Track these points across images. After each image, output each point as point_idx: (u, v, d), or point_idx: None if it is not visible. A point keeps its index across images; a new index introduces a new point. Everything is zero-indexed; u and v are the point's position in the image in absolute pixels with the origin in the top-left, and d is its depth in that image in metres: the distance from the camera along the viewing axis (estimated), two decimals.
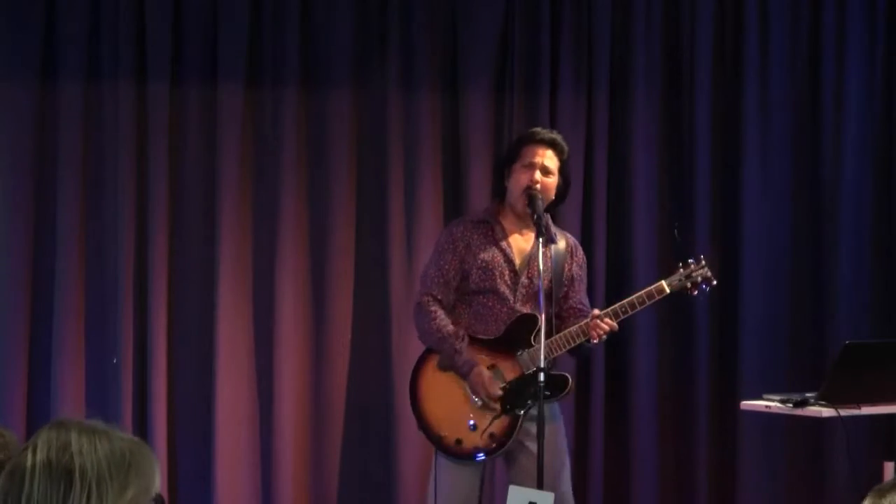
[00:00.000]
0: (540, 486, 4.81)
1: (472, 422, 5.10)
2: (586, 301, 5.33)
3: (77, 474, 2.04)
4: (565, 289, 5.24)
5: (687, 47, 6.55)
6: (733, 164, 6.59)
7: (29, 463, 2.04)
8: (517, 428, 5.07)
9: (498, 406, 5.07)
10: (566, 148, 5.24)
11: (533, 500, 4.07)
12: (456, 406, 5.12)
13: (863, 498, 2.32)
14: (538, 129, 5.30)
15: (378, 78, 6.29)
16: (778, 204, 6.57)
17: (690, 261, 5.23)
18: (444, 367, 5.14)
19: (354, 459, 6.26)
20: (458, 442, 5.10)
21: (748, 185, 6.56)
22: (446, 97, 6.36)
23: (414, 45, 6.30)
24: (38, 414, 5.90)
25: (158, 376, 6.01)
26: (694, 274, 5.21)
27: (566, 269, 5.25)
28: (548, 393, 4.92)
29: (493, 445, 5.09)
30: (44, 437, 2.07)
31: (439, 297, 5.15)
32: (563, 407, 5.53)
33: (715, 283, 5.26)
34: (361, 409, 6.26)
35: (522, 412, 5.06)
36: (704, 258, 5.26)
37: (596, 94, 6.47)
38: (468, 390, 5.11)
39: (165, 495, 6.00)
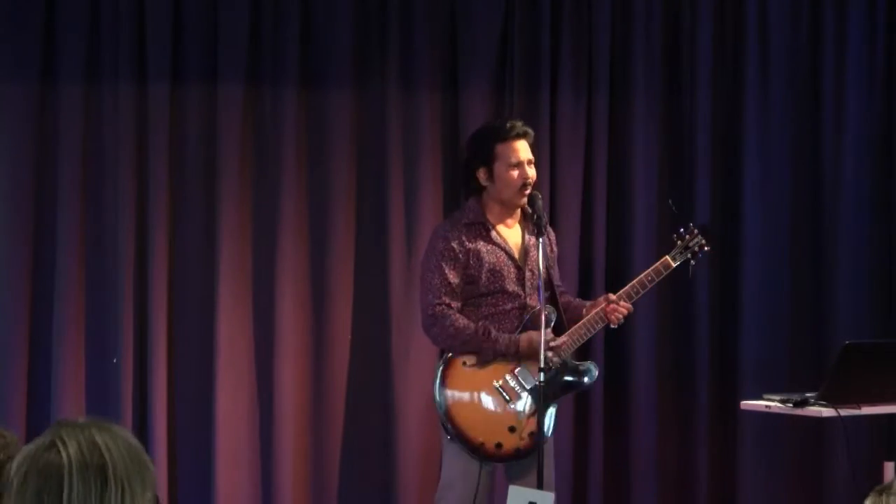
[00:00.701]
0: (540, 485, 4.81)
1: (509, 424, 5.08)
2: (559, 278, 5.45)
3: (110, 472, 2.04)
4: (552, 271, 5.28)
5: (687, 47, 6.55)
6: (733, 164, 6.59)
7: (64, 461, 2.04)
8: (552, 423, 5.07)
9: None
10: (532, 132, 5.26)
11: (533, 500, 4.07)
12: (490, 411, 5.09)
13: (863, 498, 2.33)
14: (509, 125, 5.23)
15: (378, 78, 6.29)
16: (778, 204, 6.57)
17: (682, 230, 5.29)
18: (486, 361, 5.09)
19: (354, 459, 6.25)
20: (499, 446, 5.07)
21: (748, 185, 6.56)
22: (446, 97, 6.36)
23: (414, 45, 6.30)
24: (38, 414, 5.90)
25: (158, 376, 6.01)
26: (691, 244, 5.29)
27: (549, 252, 5.27)
28: (576, 379, 5.16)
29: (535, 443, 5.04)
30: (68, 435, 2.06)
31: (452, 304, 5.12)
32: (563, 406, 5.55)
33: (707, 248, 5.35)
34: (361, 409, 6.26)
35: (555, 406, 5.07)
36: (694, 225, 5.32)
37: (596, 94, 6.47)
38: (503, 393, 5.09)
39: (165, 495, 6.00)
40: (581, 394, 6.32)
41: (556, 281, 5.33)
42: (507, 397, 5.08)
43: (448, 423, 5.10)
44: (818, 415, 5.31)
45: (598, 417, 6.42)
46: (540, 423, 4.88)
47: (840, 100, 6.59)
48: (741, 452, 6.48)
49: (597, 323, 5.15)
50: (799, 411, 5.35)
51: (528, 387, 5.08)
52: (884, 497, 2.25)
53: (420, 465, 6.15)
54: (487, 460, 5.09)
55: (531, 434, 5.04)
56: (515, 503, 4.09)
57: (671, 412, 6.52)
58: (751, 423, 6.36)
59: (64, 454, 2.03)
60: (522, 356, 5.08)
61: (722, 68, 6.58)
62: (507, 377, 5.10)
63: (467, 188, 5.30)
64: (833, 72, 6.60)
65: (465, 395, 5.10)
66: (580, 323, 5.15)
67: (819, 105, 6.61)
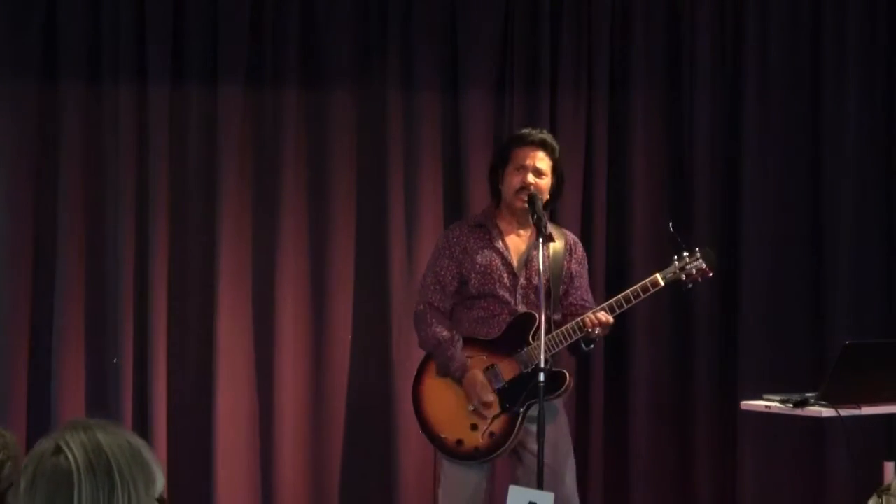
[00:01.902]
0: (540, 485, 4.81)
1: (472, 422, 5.12)
2: (589, 297, 5.35)
3: (116, 474, 2.05)
4: (565, 286, 5.25)
5: (687, 47, 6.55)
6: (733, 164, 6.59)
7: (72, 466, 2.04)
8: (517, 427, 5.08)
9: (489, 412, 5.09)
10: (557, 146, 5.26)
11: (533, 500, 4.06)
12: (456, 407, 5.14)
13: (863, 498, 2.33)
14: (528, 132, 5.27)
15: (378, 78, 6.29)
16: (778, 204, 6.57)
17: (685, 253, 5.24)
18: (441, 374, 5.18)
19: (354, 459, 6.25)
20: (459, 443, 5.13)
21: (748, 185, 6.55)
22: (446, 97, 6.36)
23: (414, 45, 6.30)
24: (38, 414, 5.90)
25: (158, 376, 6.01)
26: (688, 266, 5.22)
27: (565, 267, 5.26)
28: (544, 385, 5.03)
29: (494, 445, 5.09)
30: (73, 439, 2.07)
31: (437, 304, 5.19)
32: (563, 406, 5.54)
33: (711, 274, 5.27)
34: (361, 409, 6.26)
35: (521, 410, 5.07)
36: (700, 250, 5.27)
37: (596, 94, 6.47)
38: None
39: (165, 495, 5.99)
40: (581, 394, 6.32)
41: (576, 299, 5.28)
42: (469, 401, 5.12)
43: (418, 414, 5.20)
44: (818, 415, 5.31)
45: (599, 417, 6.42)
46: (540, 424, 4.87)
47: (840, 100, 6.59)
48: (741, 452, 6.48)
49: (574, 332, 5.11)
50: (799, 411, 5.34)
51: (496, 386, 5.11)
52: (884, 498, 2.26)
53: (420, 466, 6.14)
54: (448, 455, 5.15)
55: (491, 434, 5.09)
56: (515, 503, 4.08)
57: (671, 412, 6.52)
58: (751, 423, 6.36)
59: (71, 458, 2.04)
60: (464, 388, 5.11)
61: (722, 68, 6.58)
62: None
63: (492, 191, 5.33)
64: (833, 72, 6.60)
65: (436, 389, 5.18)
66: (557, 330, 5.12)
67: (819, 105, 6.60)
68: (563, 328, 5.11)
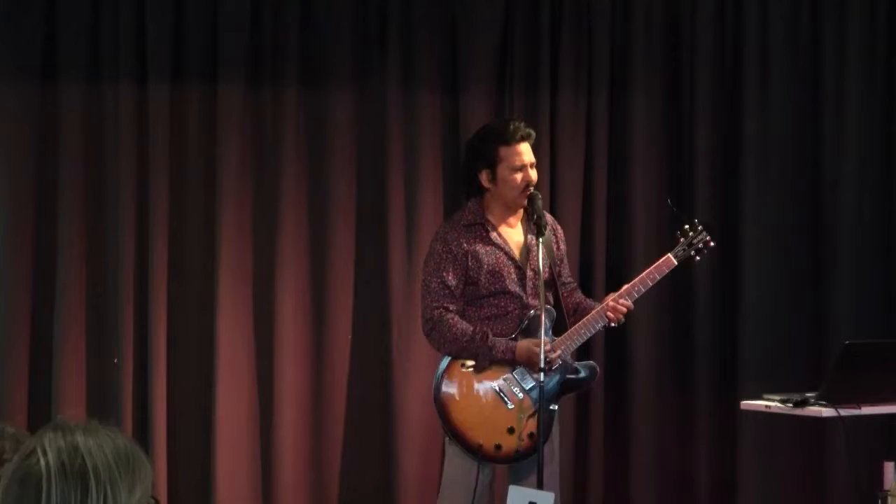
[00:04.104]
0: (540, 486, 4.81)
1: (508, 425, 5.07)
2: (568, 273, 5.43)
3: (91, 476, 2.02)
4: (558, 268, 5.26)
5: (687, 47, 6.55)
6: (733, 164, 6.59)
7: (42, 468, 2.02)
8: (553, 424, 5.07)
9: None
10: (534, 133, 5.25)
11: (533, 500, 4.07)
12: (489, 412, 5.08)
13: (863, 498, 2.34)
14: (514, 127, 5.18)
15: (378, 78, 6.29)
16: (778, 204, 6.57)
17: (687, 227, 5.27)
18: (482, 368, 5.08)
19: (354, 459, 6.25)
20: (498, 448, 5.07)
21: (748, 184, 6.56)
22: (446, 97, 6.36)
23: (414, 45, 6.30)
24: (38, 414, 5.90)
25: (158, 377, 6.01)
26: (695, 241, 5.27)
27: (556, 250, 5.27)
28: (575, 378, 5.16)
29: (534, 446, 5.04)
30: (49, 440, 2.05)
31: (451, 307, 5.10)
32: (563, 405, 5.54)
33: (713, 244, 5.31)
34: (361, 409, 6.26)
35: (555, 407, 5.06)
36: (699, 222, 5.30)
37: (596, 94, 6.47)
38: (501, 394, 5.09)
39: (165, 495, 6.00)
40: (581, 394, 6.32)
41: (565, 278, 5.32)
42: (506, 398, 5.08)
43: (447, 424, 5.10)
44: (818, 415, 5.32)
45: (599, 417, 6.43)
46: (540, 424, 4.88)
47: (840, 100, 6.59)
48: (741, 452, 6.48)
49: (596, 322, 5.14)
50: (799, 411, 5.35)
51: (526, 387, 5.08)
52: (888, 500, 2.26)
53: (420, 466, 6.15)
54: (487, 461, 5.08)
55: (531, 435, 5.03)
56: (515, 503, 4.09)
57: (671, 412, 6.52)
58: (751, 423, 6.36)
59: (43, 462, 2.02)
60: (518, 363, 5.06)
61: (722, 68, 6.58)
62: (506, 378, 5.09)
63: (468, 189, 5.27)
64: (833, 72, 6.60)
65: (464, 397, 5.10)
66: (579, 323, 5.14)
67: (819, 105, 6.61)
68: (584, 321, 5.14)
